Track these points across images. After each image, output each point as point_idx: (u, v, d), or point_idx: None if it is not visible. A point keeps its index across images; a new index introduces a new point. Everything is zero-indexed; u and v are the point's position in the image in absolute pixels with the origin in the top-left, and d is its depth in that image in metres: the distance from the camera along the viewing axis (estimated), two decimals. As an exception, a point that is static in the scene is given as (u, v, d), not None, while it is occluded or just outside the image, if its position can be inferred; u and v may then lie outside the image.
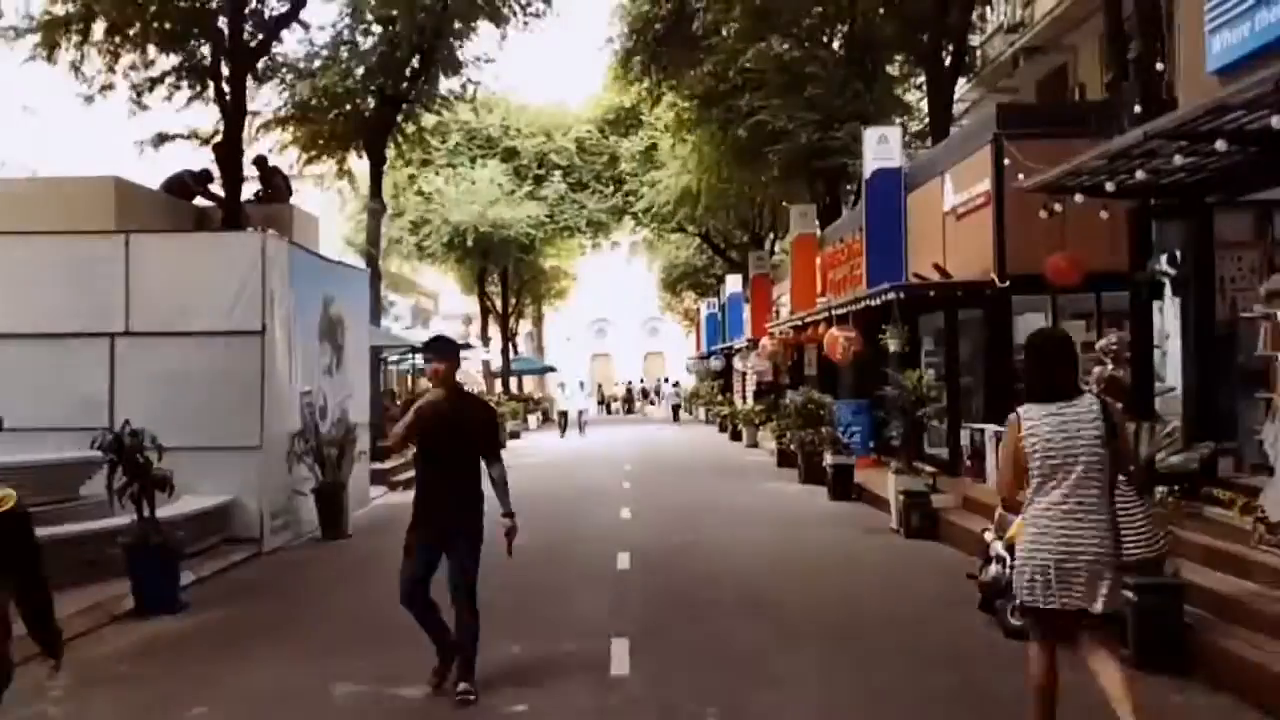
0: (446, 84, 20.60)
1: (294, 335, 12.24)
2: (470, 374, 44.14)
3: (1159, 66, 8.95)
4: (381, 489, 17.51)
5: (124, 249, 11.11)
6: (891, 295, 12.43)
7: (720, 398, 35.53)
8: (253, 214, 13.31)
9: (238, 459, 11.26)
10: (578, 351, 63.43)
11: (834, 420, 15.71)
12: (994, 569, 6.97)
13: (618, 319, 67.01)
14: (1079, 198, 8.37)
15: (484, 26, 20.83)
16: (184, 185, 13.33)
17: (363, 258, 20.20)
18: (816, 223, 22.55)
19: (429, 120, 22.80)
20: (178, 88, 13.39)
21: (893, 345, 12.83)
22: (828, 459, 14.73)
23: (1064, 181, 8.17)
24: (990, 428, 10.89)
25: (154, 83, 13.20)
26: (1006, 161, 11.74)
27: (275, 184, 14.25)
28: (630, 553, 10.19)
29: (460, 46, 20.26)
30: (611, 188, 35.75)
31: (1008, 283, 12.12)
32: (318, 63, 18.61)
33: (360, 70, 19.63)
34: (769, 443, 21.04)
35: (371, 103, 19.45)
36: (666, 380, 53.78)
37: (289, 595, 9.39)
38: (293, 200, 15.57)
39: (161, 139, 13.48)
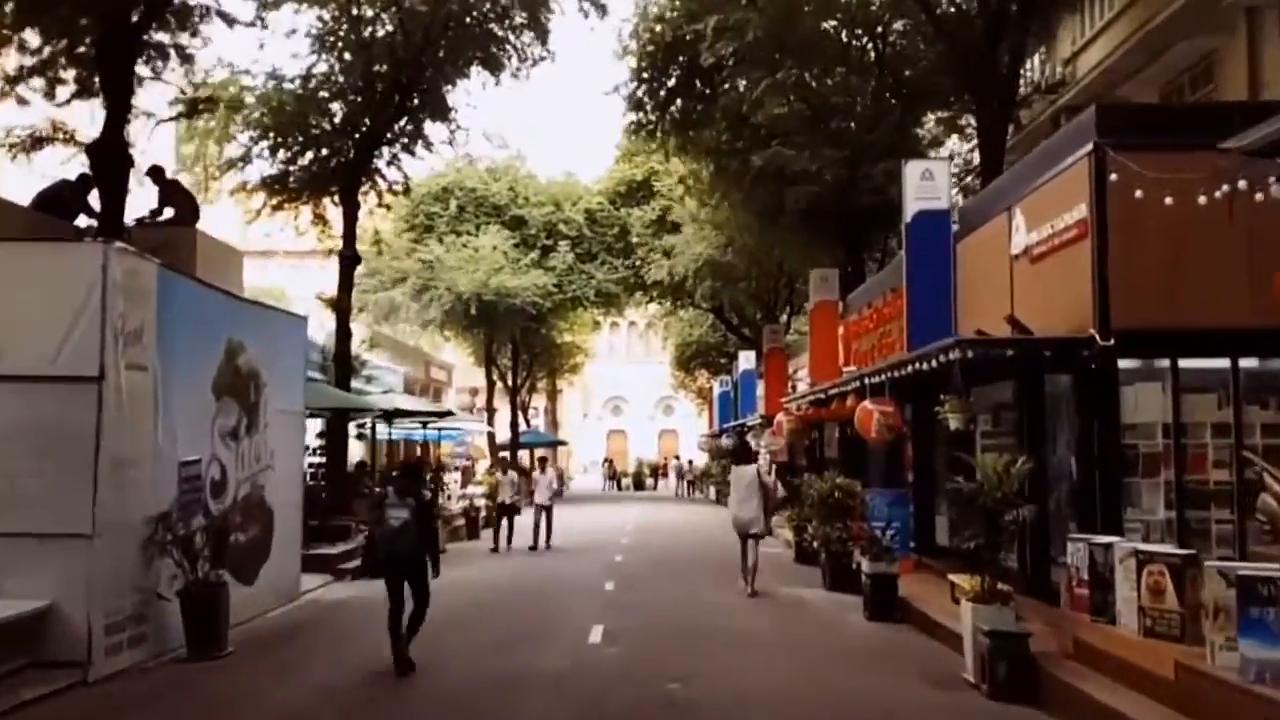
0: (433, 129, 17.41)
1: (165, 387, 8.64)
2: (476, 445, 40.41)
3: None
4: (325, 578, 13.71)
5: (-85, 262, 7.65)
6: (956, 354, 8.60)
7: (732, 478, 31.52)
8: (146, 238, 9.75)
9: (60, 550, 7.84)
10: (593, 428, 60.75)
11: (867, 513, 11.81)
12: None
13: (633, 397, 64.82)
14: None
15: (483, 77, 17.88)
16: (62, 201, 9.87)
17: (331, 311, 16.71)
18: (837, 290, 18.85)
19: (430, 182, 19.83)
20: (61, 80, 9.96)
21: (954, 421, 9.02)
22: (862, 563, 10.76)
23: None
24: (1120, 542, 6.80)
25: (31, 71, 9.80)
26: (1113, 176, 8.11)
27: (176, 202, 10.71)
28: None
29: (449, 89, 17.16)
30: (621, 259, 32.71)
31: (1111, 340, 8.34)
32: (289, 103, 15.54)
33: (339, 111, 16.57)
34: (785, 531, 16.95)
35: (349, 145, 16.28)
36: (680, 459, 50.13)
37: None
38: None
39: (37, 142, 10.06)
